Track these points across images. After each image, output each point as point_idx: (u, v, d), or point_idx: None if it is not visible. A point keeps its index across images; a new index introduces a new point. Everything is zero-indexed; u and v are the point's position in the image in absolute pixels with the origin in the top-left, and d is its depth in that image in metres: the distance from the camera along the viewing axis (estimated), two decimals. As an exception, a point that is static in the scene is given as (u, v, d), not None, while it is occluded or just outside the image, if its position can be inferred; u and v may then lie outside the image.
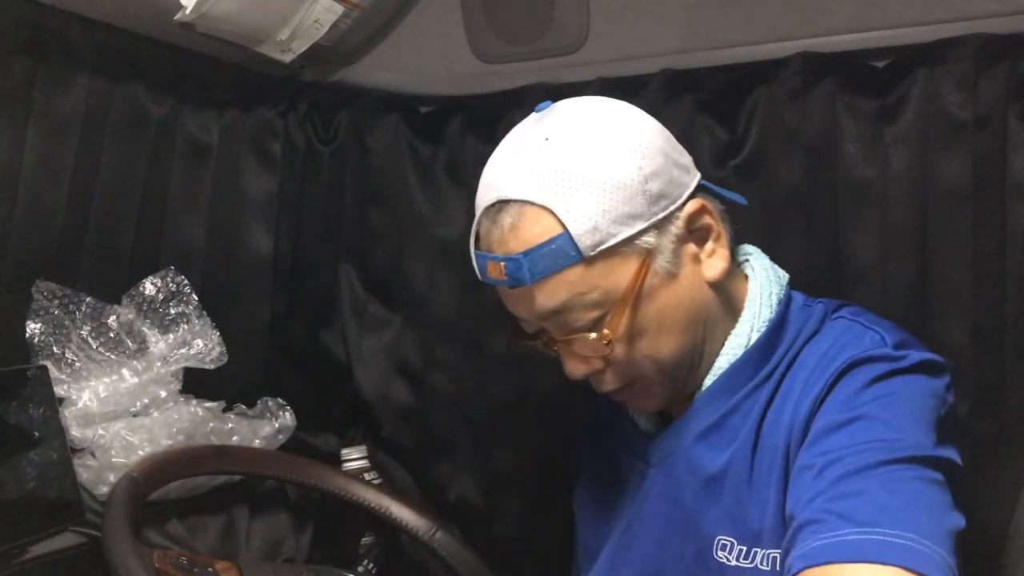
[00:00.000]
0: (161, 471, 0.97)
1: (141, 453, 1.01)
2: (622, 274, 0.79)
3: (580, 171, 0.77)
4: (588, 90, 1.13)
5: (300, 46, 1.15)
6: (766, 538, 0.78)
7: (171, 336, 1.11)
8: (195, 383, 1.12)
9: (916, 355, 0.78)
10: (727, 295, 0.87)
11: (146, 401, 1.06)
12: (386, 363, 1.33)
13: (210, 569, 0.91)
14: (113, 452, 1.00)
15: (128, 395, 1.05)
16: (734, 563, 0.80)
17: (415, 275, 1.31)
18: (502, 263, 0.79)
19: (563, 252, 0.77)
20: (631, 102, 0.86)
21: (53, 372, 1.00)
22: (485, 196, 0.83)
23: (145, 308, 1.10)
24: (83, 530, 0.97)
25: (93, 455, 1.01)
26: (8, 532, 0.90)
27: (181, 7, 0.98)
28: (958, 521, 0.68)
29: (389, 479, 1.33)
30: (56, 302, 1.02)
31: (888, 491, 0.67)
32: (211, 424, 1.10)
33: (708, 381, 0.86)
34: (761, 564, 0.78)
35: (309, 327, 1.33)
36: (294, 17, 1.10)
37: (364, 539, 1.25)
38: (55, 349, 1.02)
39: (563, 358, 0.85)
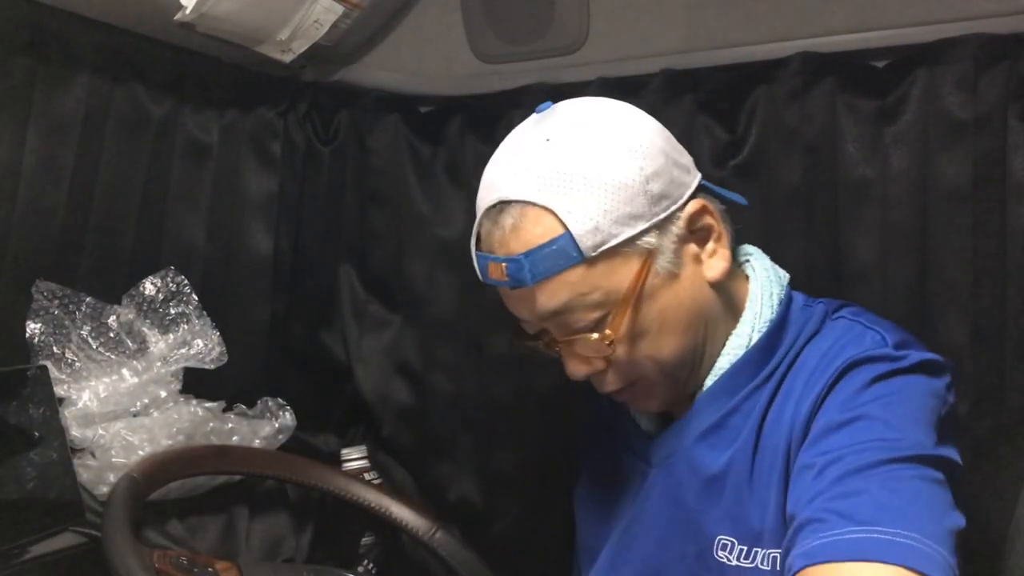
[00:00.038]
0: (161, 471, 0.97)
1: (141, 453, 1.01)
2: (623, 274, 0.79)
3: (582, 172, 0.77)
4: (588, 90, 1.13)
5: (300, 46, 1.15)
6: (767, 538, 0.78)
7: (171, 336, 1.11)
8: (195, 383, 1.12)
9: (916, 355, 0.78)
10: (728, 295, 0.87)
11: (146, 401, 1.06)
12: (386, 363, 1.33)
13: (210, 569, 0.91)
14: (113, 452, 1.00)
15: (128, 395, 1.05)
16: (734, 563, 0.80)
17: (415, 275, 1.31)
18: (503, 264, 0.79)
19: (564, 253, 0.77)
20: (631, 102, 0.86)
21: (53, 372, 1.00)
22: (486, 197, 0.83)
23: (145, 308, 1.10)
24: (83, 530, 0.97)
25: (93, 455, 1.01)
26: (8, 532, 0.90)
27: (181, 7, 0.98)
28: (959, 520, 0.68)
29: (389, 479, 1.33)
30: (56, 302, 1.02)
31: (889, 490, 0.67)
32: (211, 424, 1.10)
33: (709, 381, 0.86)
34: (762, 564, 0.78)
35: (309, 327, 1.33)
36: (294, 17, 1.10)
37: (364, 539, 1.25)
38: (55, 349, 1.02)
39: (564, 359, 0.85)
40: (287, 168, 1.26)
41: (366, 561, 1.24)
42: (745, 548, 0.79)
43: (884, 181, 1.04)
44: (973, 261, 1.00)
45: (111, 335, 1.06)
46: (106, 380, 1.04)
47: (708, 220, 0.83)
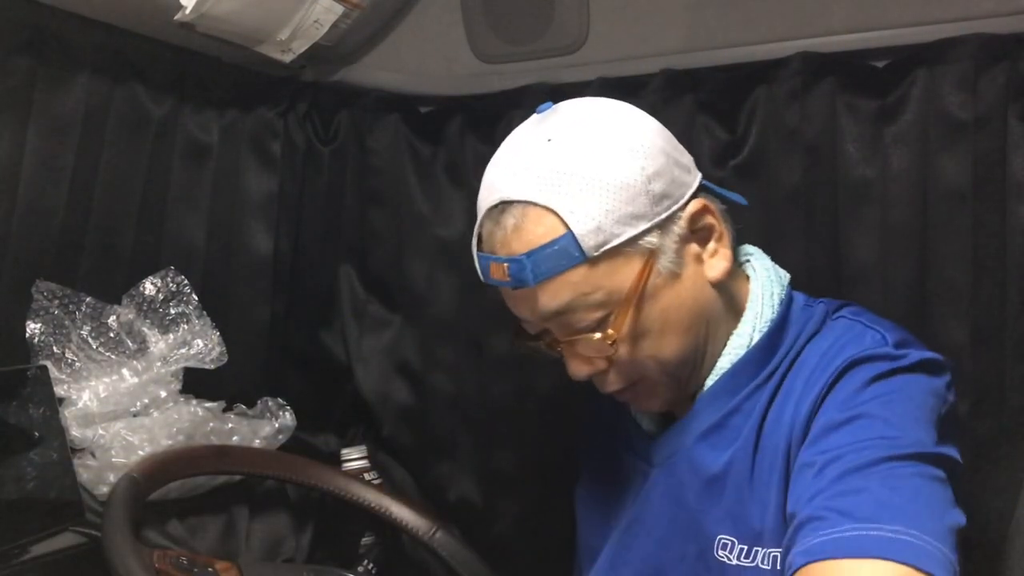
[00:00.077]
0: (161, 471, 0.97)
1: (141, 453, 1.01)
2: (625, 274, 0.79)
3: (584, 172, 0.77)
4: (588, 90, 1.13)
5: (300, 46, 1.15)
6: (767, 537, 0.78)
7: (171, 336, 1.10)
8: (195, 383, 1.12)
9: (916, 354, 0.78)
10: (729, 295, 0.87)
11: (146, 401, 1.06)
12: (386, 363, 1.33)
13: (210, 569, 0.91)
14: (113, 452, 1.00)
15: (128, 395, 1.05)
16: (735, 562, 0.80)
17: (415, 275, 1.31)
18: (505, 264, 0.79)
19: (566, 253, 0.77)
20: (631, 102, 0.86)
21: (53, 372, 1.00)
22: (487, 197, 0.83)
23: (145, 308, 1.10)
24: (83, 530, 0.97)
25: (93, 455, 1.01)
26: (8, 532, 0.90)
27: (181, 7, 0.98)
28: (959, 518, 0.68)
29: (389, 479, 1.33)
30: (56, 302, 1.02)
31: (889, 488, 0.67)
32: (211, 424, 1.10)
33: (710, 381, 0.86)
34: (762, 563, 0.78)
35: (309, 327, 1.33)
36: (294, 17, 1.10)
37: (364, 539, 1.25)
38: (55, 349, 1.02)
39: (566, 359, 0.85)
40: (287, 168, 1.26)
41: (366, 561, 1.24)
42: (745, 547, 0.79)
43: (884, 181, 1.04)
44: (973, 261, 1.00)
45: (111, 335, 1.06)
46: (106, 380, 1.04)
47: (709, 220, 0.84)
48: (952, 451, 0.73)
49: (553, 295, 0.79)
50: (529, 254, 0.78)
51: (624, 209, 0.77)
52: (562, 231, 0.77)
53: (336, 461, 1.27)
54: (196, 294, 1.13)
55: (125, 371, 1.06)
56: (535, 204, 0.78)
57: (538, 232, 0.78)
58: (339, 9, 1.13)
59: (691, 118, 1.12)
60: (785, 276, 0.91)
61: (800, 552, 0.66)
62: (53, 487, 0.96)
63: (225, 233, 1.21)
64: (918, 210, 1.03)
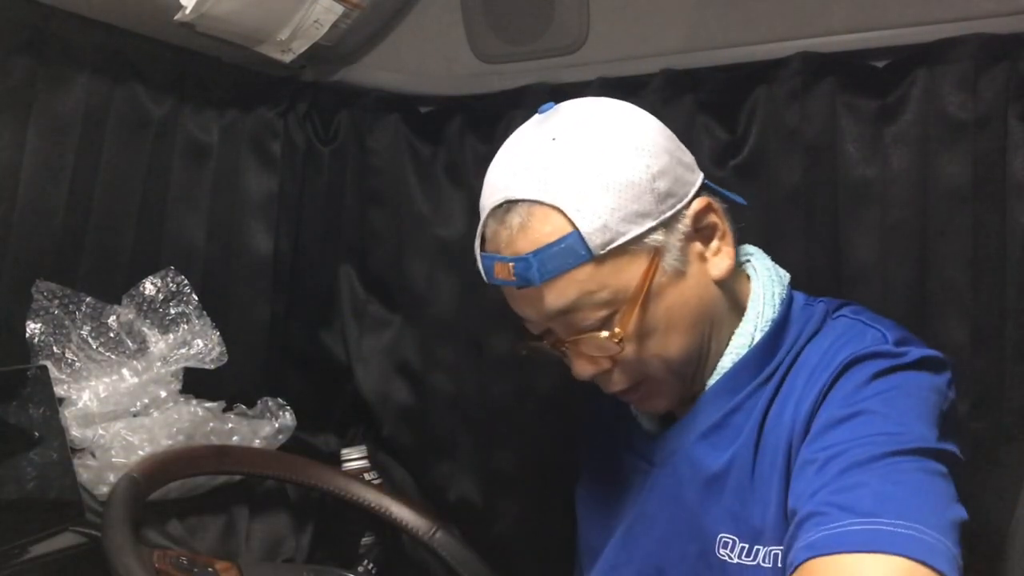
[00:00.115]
0: (161, 471, 0.97)
1: (141, 453, 1.01)
2: (631, 273, 0.79)
3: (589, 170, 0.77)
4: (588, 90, 1.13)
5: (300, 46, 1.15)
6: (768, 535, 0.78)
7: (171, 336, 1.11)
8: (195, 383, 1.12)
9: (917, 351, 0.78)
10: (731, 294, 0.87)
11: (146, 401, 1.06)
12: (386, 363, 1.33)
13: (210, 569, 0.92)
14: (113, 452, 1.00)
15: (128, 395, 1.05)
16: (736, 561, 0.80)
17: (415, 275, 1.31)
18: (510, 264, 0.79)
19: (573, 251, 0.77)
20: (631, 102, 0.86)
21: (53, 372, 1.00)
22: (491, 197, 0.82)
23: (145, 308, 1.10)
24: (83, 530, 0.97)
25: (93, 455, 1.01)
26: (8, 532, 0.90)
27: (181, 7, 0.98)
28: (961, 513, 0.68)
29: (389, 479, 1.33)
30: (56, 302, 1.02)
31: (892, 483, 0.67)
32: (211, 424, 1.10)
33: (712, 380, 0.86)
34: (763, 561, 0.78)
35: (309, 327, 1.33)
36: (294, 17, 1.10)
37: (364, 539, 1.25)
38: (55, 349, 1.02)
39: (571, 359, 0.85)
40: (287, 168, 1.26)
41: (366, 561, 1.24)
42: (747, 546, 0.79)
43: (884, 181, 1.04)
44: (973, 261, 1.00)
45: (111, 335, 1.06)
46: (106, 380, 1.04)
47: (713, 218, 0.84)
48: (953, 447, 0.73)
49: (559, 294, 0.79)
50: (535, 253, 0.78)
51: (630, 207, 0.78)
52: (568, 229, 0.77)
53: (336, 461, 1.27)
54: (196, 294, 1.13)
55: (125, 371, 1.06)
56: (541, 203, 0.78)
57: (544, 231, 0.78)
58: (339, 9, 1.13)
59: (691, 118, 1.12)
60: (785, 276, 0.91)
61: (802, 547, 0.66)
62: (53, 487, 0.96)
63: (225, 233, 1.21)
64: (918, 210, 1.03)
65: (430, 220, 1.30)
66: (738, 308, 0.87)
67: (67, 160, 1.03)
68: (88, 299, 1.05)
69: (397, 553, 1.30)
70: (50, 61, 0.99)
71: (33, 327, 1.01)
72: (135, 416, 1.05)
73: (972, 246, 1.00)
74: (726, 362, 0.85)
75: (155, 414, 1.06)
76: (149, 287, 1.11)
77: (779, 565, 0.77)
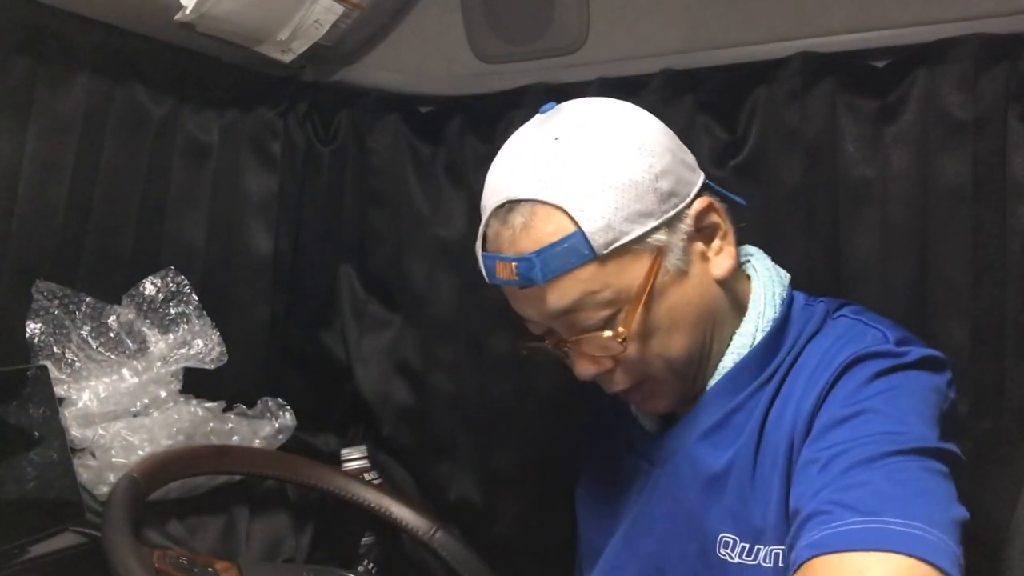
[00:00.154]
0: (161, 471, 0.97)
1: (141, 453, 1.01)
2: (634, 272, 0.79)
3: (593, 170, 0.78)
4: (588, 90, 1.13)
5: (300, 46, 1.15)
6: (768, 535, 0.78)
7: (171, 336, 1.11)
8: (195, 383, 1.12)
9: (918, 351, 0.79)
10: (733, 294, 0.87)
11: (146, 401, 1.06)
12: (386, 363, 1.33)
13: (210, 569, 0.92)
14: (113, 452, 1.00)
15: (128, 395, 1.05)
16: (737, 560, 0.80)
17: (415, 275, 1.31)
18: (513, 263, 0.79)
19: (576, 251, 0.77)
20: (631, 102, 0.86)
21: (53, 372, 1.00)
22: (493, 197, 0.82)
23: (145, 308, 1.10)
24: (83, 530, 0.97)
25: (93, 455, 1.01)
26: (8, 532, 0.90)
27: (181, 7, 0.98)
28: (963, 512, 0.68)
29: (389, 479, 1.33)
30: (56, 302, 1.02)
31: (894, 482, 0.68)
32: (211, 424, 1.10)
33: (713, 380, 0.86)
34: (764, 561, 0.78)
35: (309, 327, 1.33)
36: (294, 17, 1.10)
37: (364, 539, 1.25)
38: (55, 349, 1.02)
39: (573, 359, 0.85)
40: (287, 168, 1.26)
41: (366, 561, 1.24)
42: (747, 545, 0.79)
43: (884, 181, 1.04)
44: (973, 261, 1.00)
45: (111, 335, 1.06)
46: (106, 380, 1.04)
47: (714, 218, 0.84)
48: (954, 447, 0.74)
49: (562, 294, 0.79)
50: (538, 252, 0.78)
51: (633, 207, 0.78)
52: (572, 229, 0.77)
53: (336, 461, 1.27)
54: (196, 294, 1.13)
55: (125, 371, 1.06)
56: (544, 202, 0.78)
57: (547, 230, 0.78)
58: (339, 9, 1.13)
59: (691, 118, 1.12)
60: (786, 276, 0.91)
61: (806, 546, 0.66)
62: (53, 487, 0.96)
63: (225, 233, 1.21)
64: (918, 210, 1.03)
65: (430, 220, 1.30)
66: (739, 308, 0.87)
67: (67, 160, 1.03)
68: (88, 299, 1.05)
69: (397, 553, 1.30)
70: (50, 61, 0.99)
71: (33, 327, 1.01)
72: (135, 416, 1.05)
73: (972, 246, 1.00)
74: (727, 362, 0.85)
75: (155, 414, 1.06)
76: (149, 287, 1.11)
77: (780, 565, 0.77)
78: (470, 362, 1.29)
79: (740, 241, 0.92)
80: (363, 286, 1.34)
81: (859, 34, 1.05)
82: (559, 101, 0.86)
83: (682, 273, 0.82)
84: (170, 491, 1.04)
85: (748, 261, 0.92)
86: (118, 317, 1.07)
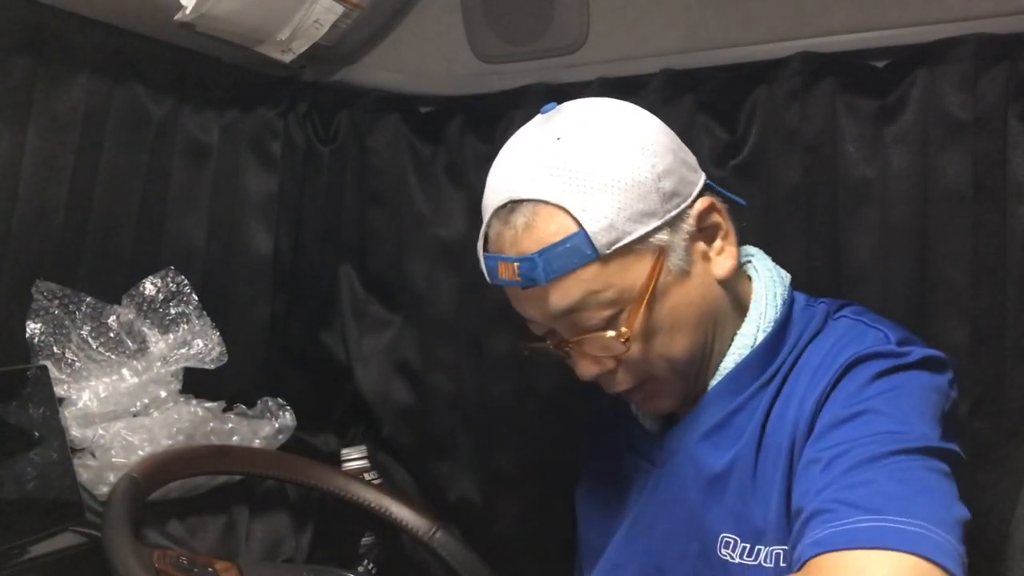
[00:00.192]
0: (161, 471, 0.97)
1: (141, 453, 1.01)
2: (637, 272, 0.79)
3: (595, 169, 0.78)
4: (588, 90, 1.13)
5: (300, 46, 1.15)
6: (769, 535, 0.78)
7: (171, 336, 1.10)
8: (195, 383, 1.12)
9: (920, 351, 0.79)
10: (734, 294, 0.87)
11: (146, 401, 1.06)
12: (386, 363, 1.33)
13: (210, 569, 0.92)
14: (113, 452, 1.00)
15: (128, 395, 1.05)
16: (738, 560, 0.80)
17: (415, 275, 1.31)
18: (515, 264, 0.79)
19: (579, 251, 0.77)
20: (631, 102, 0.86)
21: (53, 372, 1.00)
22: (495, 197, 0.82)
23: (145, 308, 1.10)
24: (83, 530, 0.97)
25: (93, 455, 1.01)
26: (8, 532, 0.90)
27: (181, 7, 0.98)
28: (965, 512, 0.68)
29: (389, 479, 1.33)
30: (56, 302, 1.02)
31: (897, 480, 0.68)
32: (211, 424, 1.10)
33: (714, 380, 0.86)
34: (764, 561, 0.78)
35: (309, 327, 1.33)
36: (294, 17, 1.10)
37: (364, 539, 1.25)
38: (55, 349, 1.01)
39: (575, 359, 0.85)
40: (287, 168, 1.25)
41: (366, 561, 1.24)
42: (748, 546, 0.79)
43: (884, 181, 1.04)
44: (973, 261, 1.00)
45: (111, 335, 1.06)
46: (106, 380, 1.04)
47: (716, 218, 0.84)
48: (955, 446, 0.74)
49: (564, 294, 0.79)
50: (541, 252, 0.78)
51: (636, 207, 0.78)
52: (574, 229, 0.77)
53: (336, 461, 1.27)
54: (196, 294, 1.13)
55: (125, 371, 1.06)
56: (546, 202, 0.78)
57: (550, 230, 0.78)
58: (339, 9, 1.13)
59: (691, 118, 1.12)
60: (786, 276, 0.91)
61: (810, 543, 0.66)
62: (53, 487, 0.96)
63: (225, 233, 1.21)
64: (918, 210, 1.03)
65: (430, 220, 1.30)
66: (740, 308, 0.87)
67: (67, 160, 1.02)
68: (88, 299, 1.05)
69: (397, 553, 1.30)
70: (50, 61, 0.99)
71: (33, 327, 1.01)
72: (135, 416, 1.05)
73: (972, 246, 1.00)
74: (729, 362, 0.85)
75: (155, 414, 1.06)
76: (149, 287, 1.11)
77: (781, 565, 0.77)
78: (470, 362, 1.29)
79: (740, 241, 0.92)
80: (363, 286, 1.34)
81: (859, 34, 1.05)
82: (559, 101, 0.86)
83: (684, 273, 0.82)
84: (170, 491, 1.04)
85: (749, 261, 0.92)
86: (118, 317, 1.07)
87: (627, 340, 0.80)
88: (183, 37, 1.08)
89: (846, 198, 1.06)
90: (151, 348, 1.09)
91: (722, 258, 0.84)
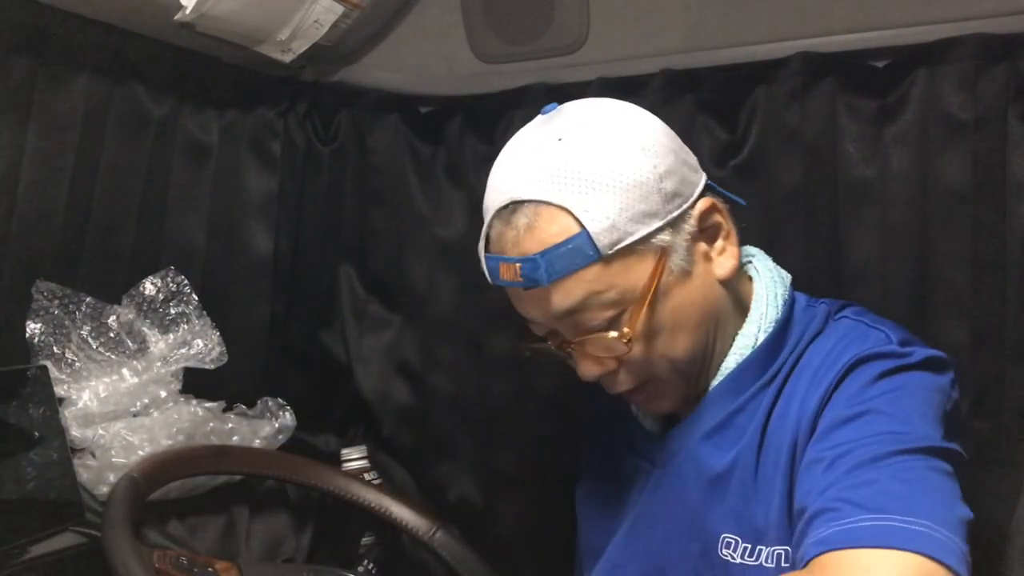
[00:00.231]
0: (161, 471, 0.97)
1: (141, 453, 1.01)
2: (639, 272, 0.79)
3: (597, 170, 0.78)
4: (588, 90, 1.13)
5: (300, 46, 1.15)
6: (771, 535, 0.78)
7: (171, 336, 1.10)
8: (195, 383, 1.12)
9: (922, 352, 0.79)
10: (735, 295, 0.87)
11: (146, 401, 1.06)
12: (386, 363, 1.33)
13: (210, 569, 0.91)
14: (113, 452, 1.00)
15: (128, 395, 1.05)
16: (739, 561, 0.80)
17: (415, 275, 1.31)
18: (517, 264, 0.79)
19: (581, 251, 0.77)
20: (631, 102, 0.86)
21: (53, 372, 1.00)
22: (496, 198, 0.82)
23: (145, 308, 1.10)
24: (83, 530, 0.97)
25: (93, 455, 1.01)
26: (8, 532, 0.90)
27: (181, 7, 0.98)
28: (967, 511, 0.68)
29: (389, 479, 1.33)
30: (56, 302, 1.02)
31: (900, 480, 0.68)
32: (211, 424, 1.10)
33: (715, 381, 0.86)
34: (766, 562, 0.78)
35: (309, 327, 1.33)
36: (294, 17, 1.10)
37: (364, 539, 1.25)
38: (55, 349, 1.01)
39: (577, 359, 0.85)
40: (287, 168, 1.26)
41: (366, 561, 1.24)
42: (749, 546, 0.80)
43: (884, 181, 1.04)
44: (973, 261, 1.00)
45: (111, 335, 1.06)
46: (106, 380, 1.04)
47: (717, 218, 0.84)
48: (957, 447, 0.74)
49: (566, 294, 0.79)
50: (543, 253, 0.78)
51: (638, 207, 0.78)
52: (576, 230, 0.77)
53: (336, 461, 1.27)
54: (196, 294, 1.13)
55: (125, 371, 1.06)
56: (548, 203, 0.78)
57: (552, 231, 0.78)
58: (339, 9, 1.13)
59: (691, 118, 1.12)
60: (787, 277, 0.91)
61: (814, 542, 0.66)
62: (53, 487, 0.95)
63: (225, 233, 1.21)
64: (918, 210, 1.03)
65: (430, 220, 1.30)
66: (741, 309, 0.87)
67: (67, 160, 1.02)
68: (88, 299, 1.05)
69: (397, 553, 1.30)
70: (50, 61, 0.99)
71: (33, 327, 1.01)
72: (135, 416, 1.05)
73: (972, 246, 1.00)
74: (730, 362, 0.86)
75: (155, 414, 1.06)
76: (149, 287, 1.11)
77: (782, 565, 0.77)
78: (470, 362, 1.29)
79: (741, 242, 0.92)
80: (363, 286, 1.34)
81: (859, 34, 1.05)
82: (559, 101, 0.86)
83: (686, 273, 0.82)
84: (170, 491, 1.04)
85: (750, 262, 0.92)
86: (118, 317, 1.07)
87: (629, 340, 0.79)
88: (183, 37, 1.08)
89: (846, 198, 1.06)
90: (151, 348, 1.09)
91: (723, 258, 0.85)
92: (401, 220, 1.31)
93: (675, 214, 0.80)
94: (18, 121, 0.98)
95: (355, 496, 1.16)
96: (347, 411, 1.37)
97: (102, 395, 1.03)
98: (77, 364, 1.03)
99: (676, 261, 0.81)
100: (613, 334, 0.79)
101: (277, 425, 1.17)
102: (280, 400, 1.19)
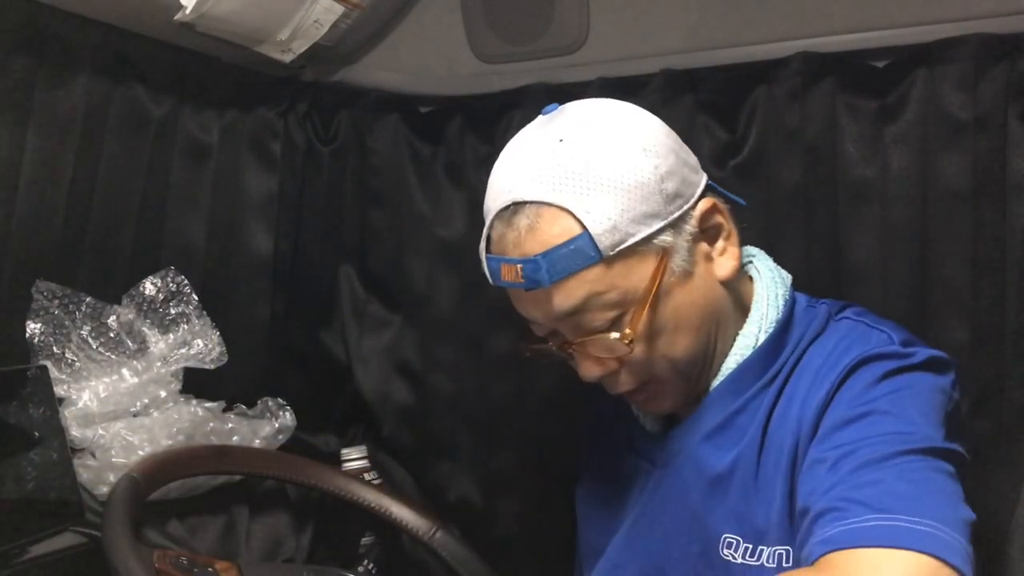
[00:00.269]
0: (161, 471, 0.97)
1: (141, 453, 1.01)
2: (640, 273, 0.79)
3: (598, 171, 0.77)
4: (588, 90, 1.13)
5: (300, 46, 1.15)
6: (772, 535, 0.78)
7: (171, 336, 1.10)
8: (195, 383, 1.12)
9: (924, 352, 0.79)
10: (736, 295, 0.87)
11: (146, 401, 1.06)
12: (386, 363, 1.33)
13: (210, 569, 0.91)
14: (113, 452, 1.00)
15: (128, 395, 1.04)
16: (740, 561, 0.80)
17: (415, 275, 1.31)
18: (518, 265, 0.79)
19: (582, 252, 0.77)
20: (631, 102, 0.86)
21: (53, 372, 1.00)
22: (497, 199, 0.82)
23: (145, 308, 1.10)
24: (83, 530, 0.96)
25: (93, 455, 1.01)
26: (8, 532, 0.90)
27: (181, 7, 0.98)
28: (970, 513, 0.68)
29: (389, 479, 1.33)
30: (56, 302, 1.02)
31: (905, 480, 0.68)
32: (211, 424, 1.10)
33: (716, 381, 0.86)
34: (767, 562, 0.78)
35: (309, 327, 1.33)
36: (294, 17, 1.10)
37: (364, 539, 1.25)
38: (55, 349, 1.01)
39: (578, 360, 0.85)
40: (287, 168, 1.26)
41: (366, 561, 1.24)
42: (750, 546, 0.80)
43: (884, 181, 1.05)
44: (973, 261, 1.00)
45: (111, 335, 1.06)
46: (106, 380, 1.04)
47: (718, 219, 0.84)
48: (959, 447, 0.74)
49: (568, 295, 0.79)
50: (544, 254, 0.78)
51: (639, 208, 0.78)
52: (578, 231, 0.77)
53: (336, 461, 1.27)
54: (196, 294, 1.13)
55: (125, 371, 1.06)
56: (549, 204, 0.78)
57: (553, 232, 0.78)
58: (339, 9, 1.13)
59: (691, 118, 1.12)
60: (788, 277, 0.91)
61: (820, 541, 0.66)
62: (53, 487, 0.95)
63: (225, 233, 1.21)
64: (918, 210, 1.03)
65: (430, 220, 1.30)
66: (742, 309, 0.88)
67: (67, 160, 1.02)
68: (88, 299, 1.05)
69: (397, 553, 1.30)
70: (49, 61, 0.99)
71: (33, 327, 1.01)
72: (135, 416, 1.05)
73: (972, 246, 1.00)
74: (730, 363, 0.86)
75: (155, 414, 1.06)
76: (149, 287, 1.11)
77: (784, 565, 0.77)
78: (470, 362, 1.29)
79: (741, 242, 0.92)
80: (363, 286, 1.34)
81: (859, 34, 1.05)
82: (559, 101, 0.86)
83: (687, 274, 0.82)
84: (170, 491, 1.04)
85: (750, 262, 0.92)
86: (118, 317, 1.07)
87: (631, 341, 0.79)
88: (183, 37, 1.08)
89: (846, 198, 1.07)
90: (151, 348, 1.09)
91: (724, 259, 0.84)
92: (401, 220, 1.31)
93: (676, 215, 0.80)
94: (18, 121, 0.98)
95: (355, 496, 1.16)
96: (347, 411, 1.37)
97: (102, 395, 1.03)
98: (77, 364, 1.03)
99: (677, 262, 0.81)
100: (614, 335, 0.79)
101: (277, 425, 1.17)
102: (280, 400, 1.19)
